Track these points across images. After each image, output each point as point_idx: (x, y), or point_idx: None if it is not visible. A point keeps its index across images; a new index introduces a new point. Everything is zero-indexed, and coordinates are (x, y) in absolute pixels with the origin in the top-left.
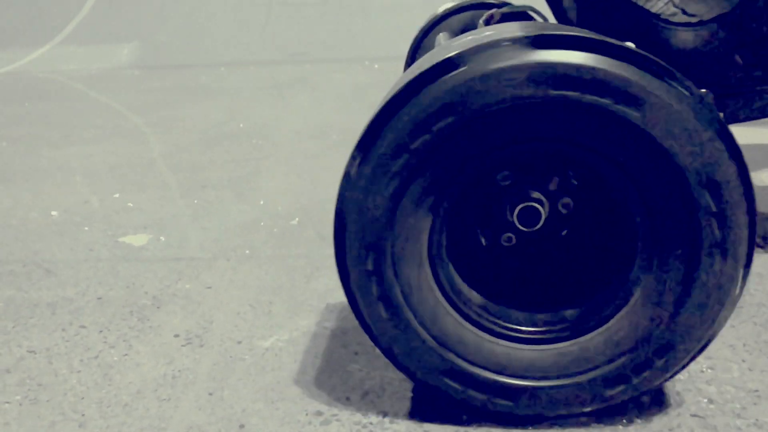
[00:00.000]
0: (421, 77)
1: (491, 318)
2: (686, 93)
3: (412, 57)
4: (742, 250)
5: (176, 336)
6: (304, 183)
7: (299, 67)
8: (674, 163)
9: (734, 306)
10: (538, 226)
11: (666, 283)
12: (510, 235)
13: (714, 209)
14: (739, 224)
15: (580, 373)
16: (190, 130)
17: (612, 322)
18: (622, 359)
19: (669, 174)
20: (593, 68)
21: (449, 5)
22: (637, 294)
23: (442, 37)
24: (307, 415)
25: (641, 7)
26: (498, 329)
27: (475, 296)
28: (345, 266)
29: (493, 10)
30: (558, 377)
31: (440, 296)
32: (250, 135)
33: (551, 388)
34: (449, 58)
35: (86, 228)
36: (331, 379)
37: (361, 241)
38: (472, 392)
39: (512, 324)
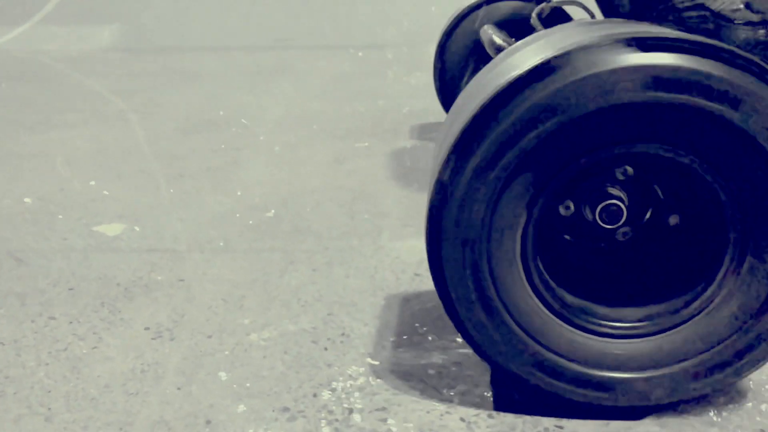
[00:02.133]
0: (520, 80)
1: (581, 314)
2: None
3: (443, 46)
4: None
5: (147, 329)
6: (283, 174)
7: (283, 54)
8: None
9: None
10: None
11: (752, 285)
12: (626, 229)
13: None
14: None
15: (665, 366)
16: (170, 116)
17: (697, 319)
18: (705, 356)
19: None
20: (695, 70)
21: None
22: (724, 294)
23: (488, 30)
24: (273, 411)
25: (699, 5)
26: (589, 325)
27: (567, 295)
28: (441, 266)
29: (543, 5)
30: (645, 369)
31: (533, 295)
32: (230, 123)
33: (642, 379)
34: (549, 61)
35: (60, 216)
36: (299, 375)
37: (458, 242)
38: (561, 385)
39: (601, 320)
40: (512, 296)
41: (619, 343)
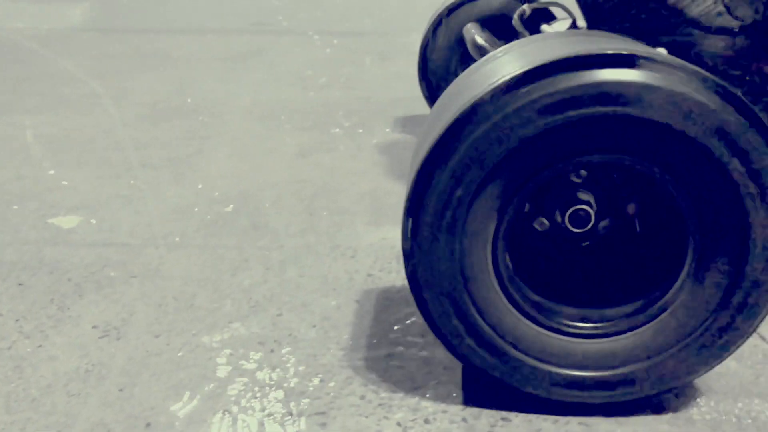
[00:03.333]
0: (501, 87)
1: (553, 316)
2: (731, 99)
3: (425, 46)
4: None
5: (94, 327)
6: (245, 166)
7: (258, 38)
8: (719, 162)
9: None
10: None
11: (716, 277)
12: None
13: (759, 200)
14: None
15: (630, 363)
16: (137, 102)
17: (658, 320)
18: (666, 354)
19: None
20: (642, 85)
21: None
22: (687, 290)
23: (471, 29)
24: (214, 414)
25: (678, 12)
26: (558, 325)
27: (538, 298)
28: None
29: (524, 6)
30: (613, 368)
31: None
32: (197, 111)
33: (608, 378)
34: (511, 80)
35: (15, 207)
36: (242, 377)
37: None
38: (536, 384)
39: (571, 320)
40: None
41: (586, 343)
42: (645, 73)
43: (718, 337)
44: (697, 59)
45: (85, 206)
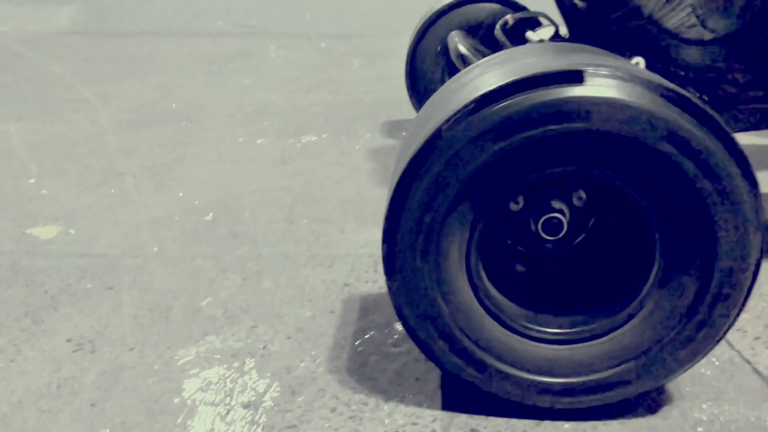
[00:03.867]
0: (457, 116)
1: (524, 322)
2: (702, 118)
3: (414, 50)
4: (754, 257)
5: (68, 341)
6: (227, 173)
7: (245, 41)
8: (683, 172)
9: (742, 309)
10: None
11: (686, 279)
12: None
13: (727, 216)
14: (749, 231)
15: (597, 371)
16: (120, 108)
17: (633, 322)
18: (636, 361)
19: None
20: (614, 101)
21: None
22: (654, 301)
23: (456, 37)
24: (185, 428)
25: (656, 22)
26: (529, 332)
27: (510, 304)
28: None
29: (508, 16)
30: (581, 374)
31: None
32: (180, 117)
33: (577, 384)
34: (489, 93)
35: None
36: (215, 391)
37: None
38: (508, 388)
39: (542, 326)
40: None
41: (557, 349)
42: (591, 87)
43: (688, 341)
44: (675, 67)
45: (64, 216)
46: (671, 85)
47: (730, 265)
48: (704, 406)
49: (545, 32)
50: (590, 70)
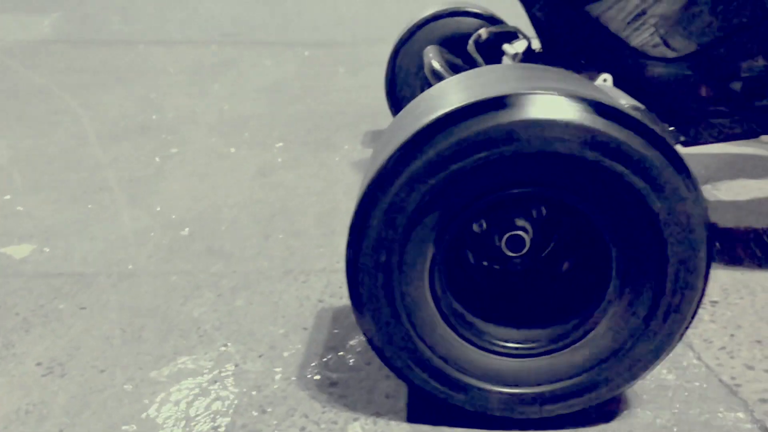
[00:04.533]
0: (418, 136)
1: (485, 336)
2: (650, 136)
3: (393, 61)
4: (702, 257)
5: (38, 364)
6: (205, 187)
7: (228, 50)
8: (637, 193)
9: (693, 319)
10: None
11: (638, 297)
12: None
13: (674, 229)
14: (698, 237)
15: (563, 380)
16: (100, 120)
17: (590, 336)
18: (593, 372)
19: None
20: (568, 123)
21: (431, 11)
22: (612, 312)
23: (430, 52)
24: None
25: (622, 40)
26: (492, 346)
27: (473, 318)
28: (361, 303)
29: (482, 30)
30: (541, 385)
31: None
32: (160, 129)
33: (537, 394)
34: (447, 114)
35: None
36: (183, 412)
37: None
38: (469, 400)
39: (503, 341)
40: (422, 320)
41: (517, 362)
42: (523, 109)
43: (645, 349)
44: (642, 84)
45: (39, 233)
46: (612, 102)
47: (681, 274)
48: (666, 415)
49: (521, 45)
50: (529, 92)
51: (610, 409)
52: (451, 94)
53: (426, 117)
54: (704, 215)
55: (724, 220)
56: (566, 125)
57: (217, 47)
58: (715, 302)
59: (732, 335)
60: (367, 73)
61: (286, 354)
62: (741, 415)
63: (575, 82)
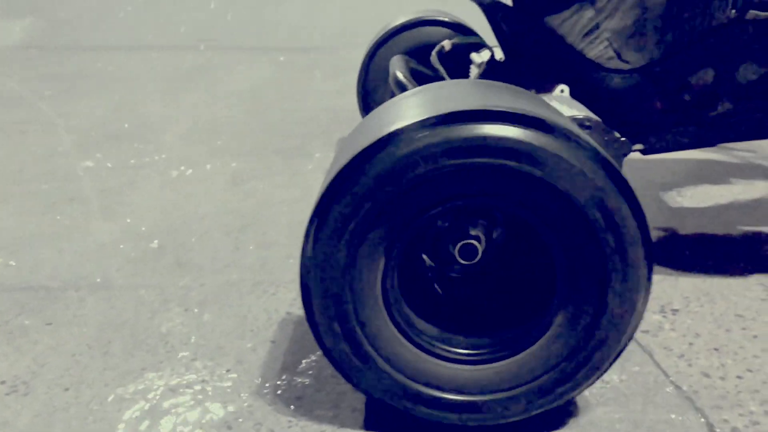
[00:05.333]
0: (369, 149)
1: (438, 343)
2: (581, 148)
3: (366, 70)
4: (643, 273)
5: (2, 383)
6: (176, 197)
7: (203, 55)
8: (578, 208)
9: (640, 318)
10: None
11: (582, 308)
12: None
13: (614, 244)
14: (637, 254)
15: (514, 387)
16: (72, 128)
17: (537, 344)
18: (549, 375)
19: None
20: (501, 138)
21: (402, 20)
22: (559, 319)
23: (396, 63)
24: None
25: (579, 52)
26: (443, 353)
27: (425, 326)
28: (313, 315)
29: (444, 42)
30: (494, 392)
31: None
32: (133, 137)
33: (490, 401)
34: (387, 135)
35: None
36: (149, 429)
37: (325, 293)
38: (426, 410)
39: (455, 347)
40: (375, 330)
41: (471, 369)
42: (471, 126)
43: (588, 359)
44: (598, 94)
45: (5, 246)
46: (558, 121)
47: (621, 292)
48: (623, 422)
49: (485, 55)
50: (478, 109)
51: (566, 416)
52: (401, 110)
53: (374, 133)
54: (646, 235)
55: (687, 227)
56: (513, 141)
57: (192, 53)
58: (676, 310)
59: (691, 343)
60: (342, 79)
61: (253, 368)
62: (696, 423)
63: (525, 100)
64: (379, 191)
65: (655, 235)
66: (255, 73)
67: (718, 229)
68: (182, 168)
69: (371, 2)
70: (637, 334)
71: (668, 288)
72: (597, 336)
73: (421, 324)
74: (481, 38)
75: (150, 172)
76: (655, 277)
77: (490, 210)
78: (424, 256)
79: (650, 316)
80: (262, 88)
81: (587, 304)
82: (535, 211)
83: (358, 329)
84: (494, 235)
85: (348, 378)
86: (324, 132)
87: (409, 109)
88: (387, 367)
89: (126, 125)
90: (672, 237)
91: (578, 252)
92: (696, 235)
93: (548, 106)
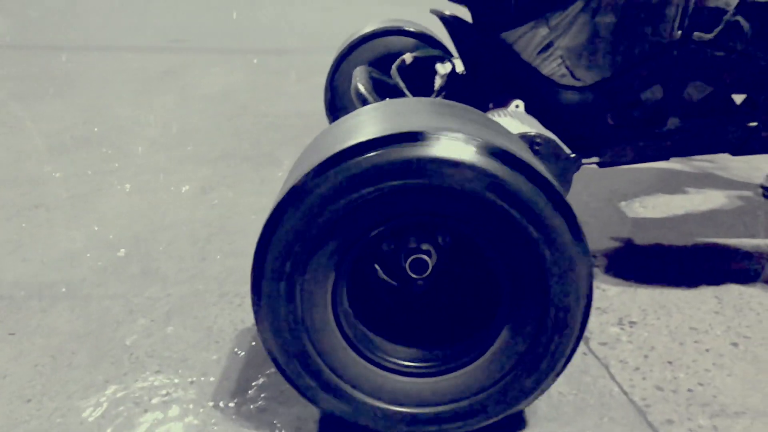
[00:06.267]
0: (324, 164)
1: (383, 355)
2: (521, 169)
3: (332, 80)
4: (583, 288)
5: None
6: (144, 204)
7: (175, 57)
8: (519, 227)
9: (579, 339)
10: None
11: (521, 334)
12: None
13: (551, 260)
14: (579, 274)
15: (456, 401)
16: (39, 132)
17: (481, 360)
18: (490, 391)
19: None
20: (440, 160)
21: (367, 30)
22: (500, 339)
23: (358, 74)
24: None
25: (533, 68)
26: (386, 363)
27: (377, 340)
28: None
29: (406, 55)
30: (437, 405)
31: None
32: (102, 142)
33: (431, 414)
34: (347, 149)
35: None
36: None
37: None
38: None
39: (402, 360)
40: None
41: (423, 381)
42: (422, 147)
43: (533, 371)
44: (553, 110)
45: None
46: (507, 146)
47: (560, 315)
48: None
49: (447, 67)
50: (425, 131)
51: (518, 430)
52: (355, 127)
53: (325, 151)
54: (587, 261)
55: (648, 239)
56: (462, 165)
57: (164, 54)
58: (634, 323)
59: (646, 356)
60: (315, 81)
61: (218, 380)
62: None
63: (475, 123)
64: (324, 212)
65: (615, 246)
66: (227, 75)
67: (677, 241)
68: (151, 174)
69: (345, 5)
70: (596, 347)
71: (627, 300)
72: (536, 356)
73: (371, 336)
74: (445, 49)
75: (118, 179)
76: (615, 289)
77: (437, 227)
78: (377, 269)
79: (609, 329)
80: (235, 91)
81: (528, 326)
82: (476, 229)
83: (310, 347)
84: (441, 250)
85: (303, 395)
86: (295, 138)
87: (351, 130)
88: (336, 379)
89: (96, 129)
90: (633, 249)
91: (523, 276)
92: (656, 246)
93: (494, 126)
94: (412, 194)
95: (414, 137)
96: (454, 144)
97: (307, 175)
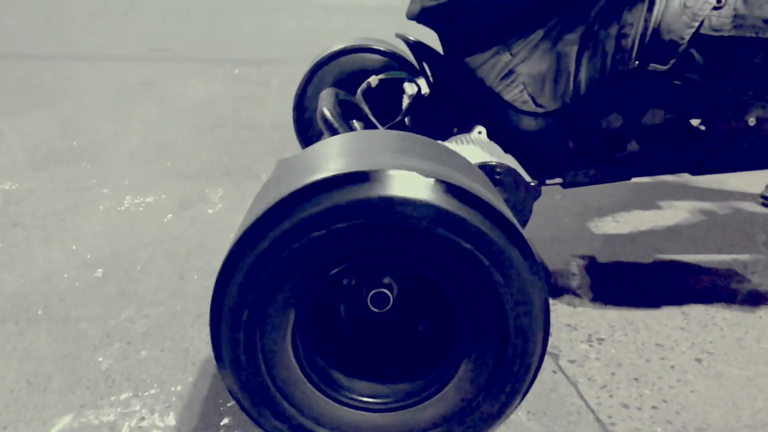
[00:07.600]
0: (273, 209)
1: (345, 391)
2: (481, 206)
3: (300, 99)
4: (539, 338)
5: None
6: (122, 222)
7: (155, 66)
8: (478, 264)
9: (532, 383)
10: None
11: (481, 365)
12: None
13: (510, 288)
14: (535, 303)
15: (431, 429)
16: (16, 147)
17: (443, 391)
18: (447, 426)
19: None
20: (419, 202)
21: (335, 48)
22: (462, 370)
23: (324, 98)
24: None
25: (496, 94)
26: (348, 400)
27: (338, 376)
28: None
29: (371, 78)
30: None
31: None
32: (80, 156)
33: None
34: (294, 193)
35: None
36: None
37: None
38: None
39: (365, 396)
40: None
41: (384, 416)
42: (377, 185)
43: (497, 398)
44: (515, 135)
45: None
46: (463, 183)
47: (519, 345)
48: None
49: (413, 89)
50: (373, 170)
51: None
52: (307, 166)
53: (275, 194)
54: (542, 292)
55: (619, 254)
56: (417, 203)
57: (144, 64)
58: (602, 339)
59: (613, 373)
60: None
61: (193, 403)
62: None
63: (432, 159)
64: (277, 257)
65: (586, 263)
66: (208, 86)
67: (647, 257)
68: (129, 191)
69: (325, 16)
70: (565, 364)
71: (596, 317)
72: (497, 387)
73: (330, 370)
74: (413, 68)
75: (96, 195)
76: (584, 306)
77: (395, 263)
78: (341, 306)
79: (578, 345)
80: (215, 102)
81: (488, 358)
82: (432, 265)
83: (273, 391)
84: (402, 282)
85: (258, 424)
86: (274, 152)
87: (303, 169)
88: (294, 412)
89: (74, 143)
90: (604, 265)
91: (481, 310)
92: (626, 262)
93: (453, 160)
94: (366, 234)
95: (364, 177)
96: (405, 182)
97: (257, 220)
